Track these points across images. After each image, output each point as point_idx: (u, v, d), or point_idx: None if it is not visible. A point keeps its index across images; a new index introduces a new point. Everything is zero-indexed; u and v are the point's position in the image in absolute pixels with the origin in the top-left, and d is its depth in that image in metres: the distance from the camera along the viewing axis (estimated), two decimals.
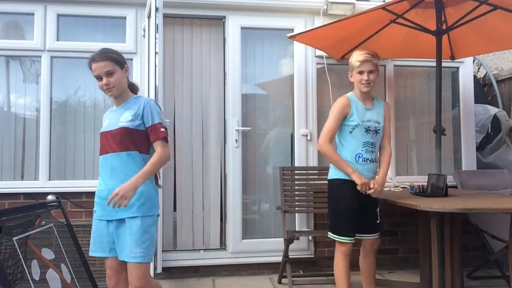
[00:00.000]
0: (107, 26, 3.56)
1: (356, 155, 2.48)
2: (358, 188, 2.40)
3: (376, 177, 2.53)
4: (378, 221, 2.56)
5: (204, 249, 3.56)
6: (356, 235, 2.50)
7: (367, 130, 2.48)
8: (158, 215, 2.14)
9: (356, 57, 2.49)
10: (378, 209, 2.56)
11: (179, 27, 3.67)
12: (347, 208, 2.45)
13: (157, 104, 2.20)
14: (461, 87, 3.93)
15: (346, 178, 2.46)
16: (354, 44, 3.36)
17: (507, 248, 2.63)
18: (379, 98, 2.64)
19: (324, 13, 3.64)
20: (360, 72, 2.47)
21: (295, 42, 3.55)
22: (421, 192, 2.88)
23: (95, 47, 3.38)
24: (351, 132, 2.49)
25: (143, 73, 3.47)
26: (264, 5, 3.60)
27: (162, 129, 2.08)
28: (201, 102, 3.67)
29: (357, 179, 2.41)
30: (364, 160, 2.48)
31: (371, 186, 2.41)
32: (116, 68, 2.08)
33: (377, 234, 2.56)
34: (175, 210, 3.59)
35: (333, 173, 2.54)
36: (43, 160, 3.37)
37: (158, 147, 2.06)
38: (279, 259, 3.30)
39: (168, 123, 3.47)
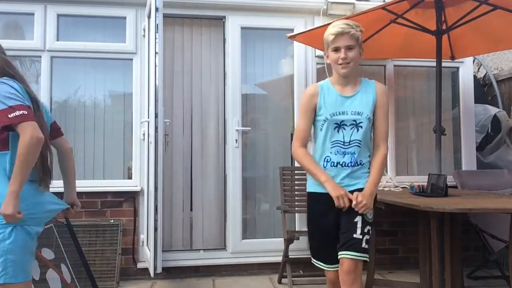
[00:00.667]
0: (107, 26, 3.56)
1: (324, 159, 1.97)
2: (335, 201, 1.87)
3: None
4: (356, 236, 1.88)
5: (204, 249, 3.56)
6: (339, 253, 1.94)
7: (340, 125, 1.95)
8: (39, 227, 1.76)
9: (330, 30, 1.97)
10: (360, 219, 1.89)
11: (179, 27, 3.67)
12: (319, 232, 2.01)
13: (5, 83, 1.68)
14: (461, 87, 3.93)
15: (321, 191, 1.95)
16: None
17: (507, 248, 2.63)
18: (371, 82, 2.04)
19: (324, 13, 3.64)
20: (336, 49, 1.95)
21: (295, 42, 3.55)
22: (421, 192, 2.88)
23: (95, 47, 3.45)
24: (321, 129, 1.99)
25: (143, 73, 3.47)
26: (264, 5, 3.60)
27: (11, 115, 1.60)
28: (201, 102, 3.67)
29: (331, 191, 1.87)
30: (334, 165, 1.94)
31: (353, 199, 1.85)
32: None
33: (352, 254, 1.86)
34: (174, 210, 3.59)
35: (308, 185, 2.07)
36: None
37: (19, 134, 1.61)
38: (279, 259, 3.30)
39: (168, 123, 3.48)
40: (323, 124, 1.98)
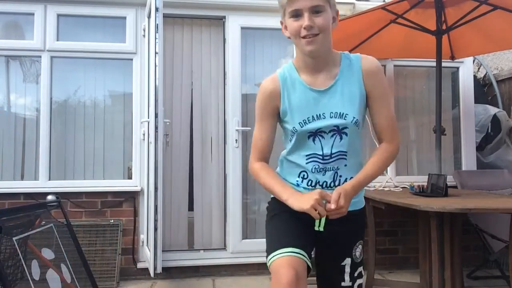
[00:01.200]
0: (107, 26, 3.56)
1: (299, 175, 1.45)
2: (313, 215, 1.26)
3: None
4: (345, 284, 1.45)
5: (204, 249, 3.56)
6: None
7: (315, 134, 1.39)
8: None
9: None
10: (349, 261, 1.45)
11: (179, 27, 3.67)
12: (287, 216, 1.42)
13: None
14: (461, 87, 3.93)
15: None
16: (354, 44, 3.36)
17: (507, 248, 2.63)
18: (355, 58, 1.42)
19: None
20: (296, 15, 1.32)
21: None
22: (421, 192, 2.88)
23: (95, 47, 3.45)
24: (290, 139, 1.44)
25: (143, 73, 3.47)
26: (264, 5, 3.59)
27: None
28: (201, 102, 3.67)
29: (300, 205, 1.28)
30: (311, 185, 1.42)
31: (332, 202, 1.27)
32: None
33: None
34: (174, 210, 3.59)
35: None
36: (43, 160, 3.37)
37: None
38: None
39: (168, 123, 3.48)
40: (292, 135, 1.43)
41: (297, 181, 1.46)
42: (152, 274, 3.02)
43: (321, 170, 1.41)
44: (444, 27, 3.04)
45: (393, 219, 3.65)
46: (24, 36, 3.49)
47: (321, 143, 1.40)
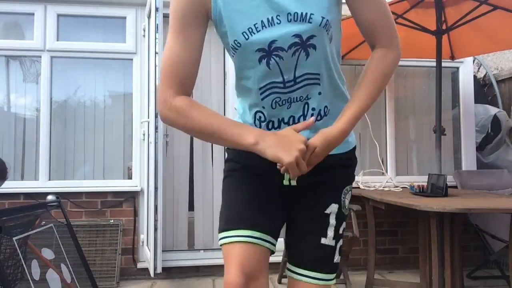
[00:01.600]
0: (107, 26, 3.57)
1: (255, 117, 1.08)
2: (283, 171, 0.93)
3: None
4: (326, 242, 1.08)
5: (204, 249, 3.56)
6: (288, 268, 1.18)
7: (269, 52, 0.98)
8: None
9: None
10: (336, 209, 1.08)
11: None
12: (241, 178, 1.11)
13: None
14: (461, 87, 3.94)
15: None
16: (354, 44, 3.36)
17: (507, 248, 2.63)
18: None
19: None
20: None
21: None
22: (421, 192, 2.88)
23: (95, 47, 3.46)
24: (235, 63, 1.09)
25: (143, 73, 3.47)
26: None
27: None
28: (201, 102, 3.66)
29: (275, 153, 0.90)
30: (274, 127, 1.06)
31: (308, 151, 0.92)
32: None
33: (319, 277, 1.08)
34: (175, 210, 3.59)
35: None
36: (43, 160, 3.37)
37: None
38: (279, 259, 3.30)
39: None
40: (234, 53, 1.04)
41: (254, 121, 1.06)
42: (152, 274, 3.02)
43: (284, 102, 1.00)
44: (444, 27, 3.05)
45: (393, 219, 3.65)
46: (24, 36, 3.50)
47: (279, 67, 0.97)
